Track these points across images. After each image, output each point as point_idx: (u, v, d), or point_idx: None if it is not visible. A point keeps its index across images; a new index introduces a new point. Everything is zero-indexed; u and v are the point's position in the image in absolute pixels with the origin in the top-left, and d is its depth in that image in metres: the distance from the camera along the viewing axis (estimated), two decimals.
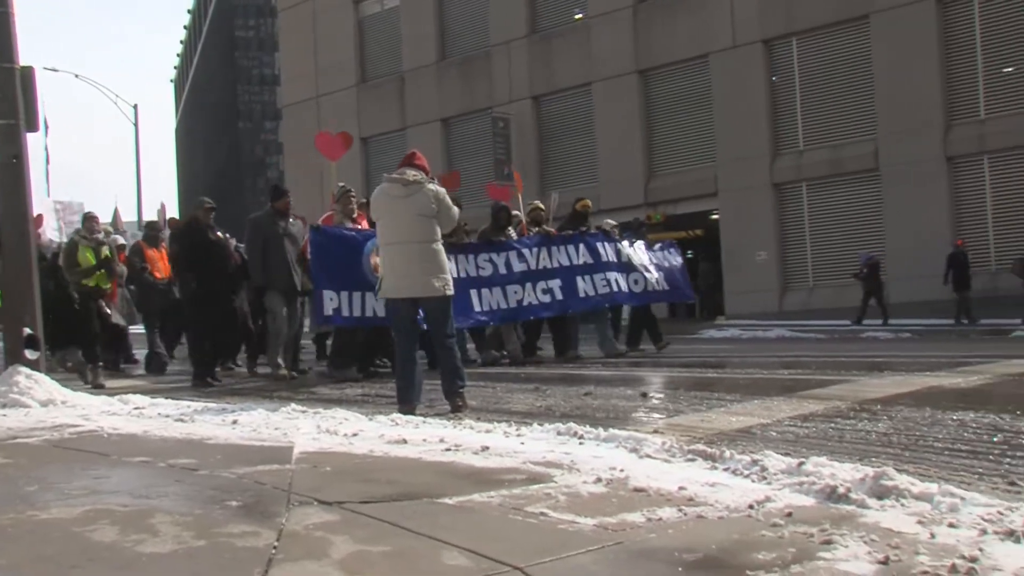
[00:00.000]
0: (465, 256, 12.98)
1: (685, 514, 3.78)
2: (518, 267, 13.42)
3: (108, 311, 13.21)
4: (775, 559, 3.15)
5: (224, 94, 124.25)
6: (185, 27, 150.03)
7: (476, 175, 29.50)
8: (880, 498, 3.92)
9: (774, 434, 6.26)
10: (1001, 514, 3.55)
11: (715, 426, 6.66)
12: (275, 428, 6.44)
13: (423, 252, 8.15)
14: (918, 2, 25.04)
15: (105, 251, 12.92)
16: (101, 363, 12.59)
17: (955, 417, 6.63)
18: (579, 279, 13.98)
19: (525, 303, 13.43)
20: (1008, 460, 5.13)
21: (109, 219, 24.84)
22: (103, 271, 12.81)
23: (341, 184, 12.97)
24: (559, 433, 5.84)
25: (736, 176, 28.03)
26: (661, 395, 8.81)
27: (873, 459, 5.15)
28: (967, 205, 24.93)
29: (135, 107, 44.96)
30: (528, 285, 13.45)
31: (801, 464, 4.44)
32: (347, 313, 11.42)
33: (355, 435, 6.01)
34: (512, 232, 14.00)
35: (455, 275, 12.22)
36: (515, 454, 5.19)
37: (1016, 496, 4.21)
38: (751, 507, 3.83)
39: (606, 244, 14.59)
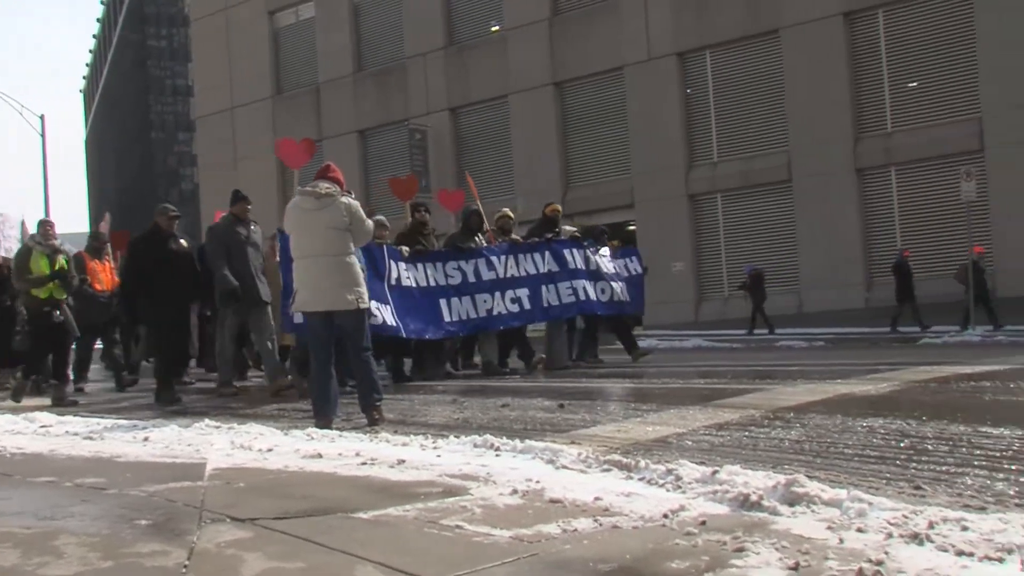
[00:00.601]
0: (434, 264, 12.67)
1: (600, 524, 3.79)
2: (487, 275, 13.09)
3: (63, 317, 12.02)
4: (689, 567, 3.17)
5: (136, 104, 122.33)
6: (94, 36, 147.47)
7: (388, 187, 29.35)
8: (792, 505, 3.98)
9: (690, 443, 6.31)
10: (906, 517, 3.63)
11: (632, 436, 6.69)
12: (188, 444, 6.34)
13: (336, 265, 8.09)
14: (826, 18, 25.61)
15: (61, 260, 11.95)
16: (54, 380, 11.90)
17: (865, 424, 6.75)
18: (543, 288, 13.61)
19: (495, 312, 13.08)
20: (914, 465, 5.24)
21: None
22: (56, 282, 11.81)
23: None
24: (476, 445, 5.84)
25: (652, 187, 28.35)
26: (578, 406, 8.83)
27: (786, 466, 5.23)
28: (876, 216, 25.50)
29: (42, 118, 43.94)
30: (497, 294, 13.12)
31: (715, 473, 4.49)
32: None
33: (270, 450, 5.94)
34: (481, 239, 13.64)
35: (424, 283, 12.40)
36: (431, 467, 5.17)
37: (921, 500, 4.30)
38: (666, 516, 3.86)
39: (575, 251, 14.18)
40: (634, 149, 28.77)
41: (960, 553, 3.22)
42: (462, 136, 32.77)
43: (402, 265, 12.15)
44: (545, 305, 13.57)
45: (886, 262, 24.56)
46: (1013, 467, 5.06)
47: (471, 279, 12.90)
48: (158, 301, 11.37)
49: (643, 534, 3.64)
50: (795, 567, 3.13)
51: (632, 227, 29.45)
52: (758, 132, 27.12)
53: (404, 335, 11.91)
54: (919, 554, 3.23)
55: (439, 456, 5.55)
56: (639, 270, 15.43)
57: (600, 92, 29.83)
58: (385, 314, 11.39)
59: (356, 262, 8.31)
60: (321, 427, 7.41)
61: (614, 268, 14.81)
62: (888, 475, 5.00)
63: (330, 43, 35.41)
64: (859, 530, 3.56)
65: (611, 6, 29.24)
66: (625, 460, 4.99)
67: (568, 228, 15.22)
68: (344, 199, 8.25)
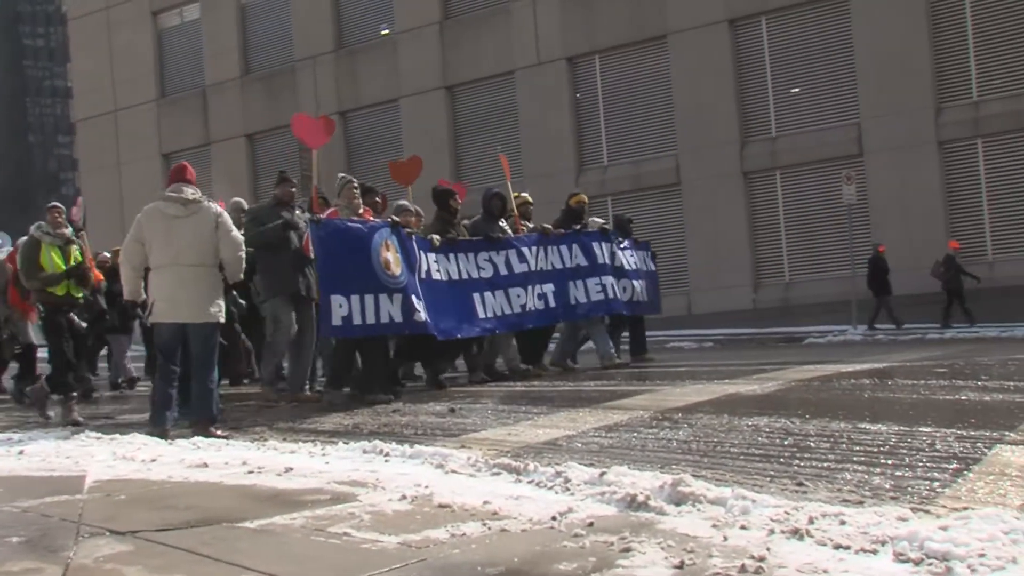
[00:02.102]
0: (465, 255, 11.44)
1: (489, 528, 3.79)
2: (519, 268, 11.93)
3: (81, 323, 10.51)
4: (576, 569, 3.19)
5: (11, 105, 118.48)
6: None
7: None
8: (678, 504, 4.03)
9: (579, 445, 6.36)
10: (788, 514, 3.71)
11: (522, 439, 6.72)
12: (66, 457, 6.15)
13: (197, 276, 7.80)
14: (711, 24, 26.06)
15: (75, 253, 10.26)
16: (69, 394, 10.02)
17: (750, 423, 6.88)
18: (571, 284, 12.54)
19: (528, 308, 11.94)
20: (797, 462, 5.36)
21: None
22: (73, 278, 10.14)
23: (342, 175, 11.03)
24: (365, 451, 5.79)
25: (543, 191, 28.32)
26: (470, 409, 8.82)
27: (673, 466, 5.30)
28: (762, 218, 26.03)
29: None
30: (530, 288, 11.98)
31: (603, 474, 4.53)
32: (359, 321, 9.61)
33: (154, 460, 5.81)
34: (506, 226, 12.37)
35: (456, 276, 11.25)
36: (320, 474, 5.12)
37: (803, 496, 4.41)
38: (554, 518, 3.88)
39: (602, 244, 13.13)
40: (525, 153, 28.86)
41: (838, 547, 3.31)
42: (352, 140, 32.45)
43: (431, 256, 10.91)
44: (572, 303, 12.55)
45: (772, 264, 25.12)
46: (890, 462, 5.21)
47: (503, 271, 11.76)
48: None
49: (531, 537, 3.65)
50: (680, 566, 3.18)
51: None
52: (647, 136, 27.45)
53: (438, 336, 10.61)
54: (799, 549, 3.31)
55: (328, 463, 5.49)
56: (653, 267, 14.68)
57: (491, 96, 29.86)
58: (424, 312, 10.26)
59: (219, 273, 7.99)
60: (157, 436, 7.22)
61: (635, 263, 13.84)
62: (772, 473, 5.11)
63: (216, 45, 34.77)
64: (743, 527, 3.63)
65: (501, 10, 29.32)
66: (514, 463, 5.00)
67: (596, 220, 14.23)
68: (212, 205, 8.03)
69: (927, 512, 4.02)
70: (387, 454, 5.67)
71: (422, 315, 10.09)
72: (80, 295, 10.33)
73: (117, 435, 7.11)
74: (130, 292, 8.15)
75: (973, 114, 23.26)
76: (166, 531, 3.89)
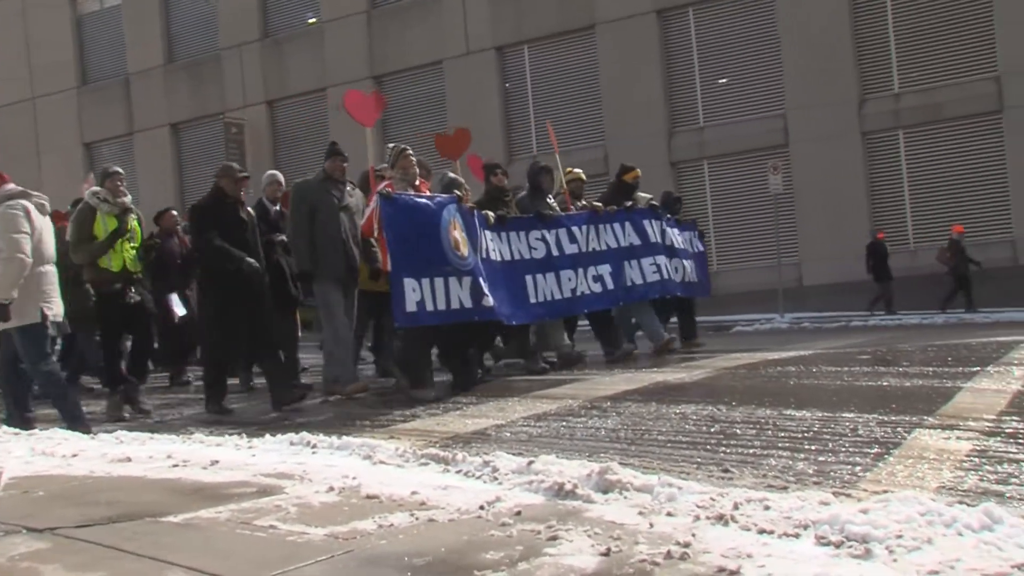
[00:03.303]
0: (516, 233, 10.47)
1: (417, 518, 3.78)
2: (569, 249, 10.97)
3: (139, 296, 9.30)
4: (503, 558, 3.19)
5: None
6: None
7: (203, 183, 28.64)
8: (605, 492, 4.05)
9: (508, 435, 6.37)
10: (713, 500, 3.75)
11: (451, 429, 6.71)
12: None
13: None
14: (640, 15, 26.21)
15: (134, 223, 9.10)
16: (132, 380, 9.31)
17: (678, 411, 6.95)
18: (626, 264, 11.66)
19: (579, 292, 10.94)
20: (723, 448, 5.43)
21: None
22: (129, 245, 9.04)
23: (392, 145, 9.96)
24: (292, 443, 5.73)
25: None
26: (399, 400, 8.78)
27: (601, 455, 5.33)
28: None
29: None
30: (580, 271, 11.01)
31: (531, 463, 4.53)
32: (431, 307, 8.57)
33: (75, 455, 5.68)
34: (554, 203, 11.55)
35: (509, 256, 10.21)
36: (246, 467, 5.05)
37: (728, 482, 4.46)
38: (482, 508, 3.87)
39: (653, 222, 12.32)
40: None
41: (762, 531, 3.35)
42: (280, 130, 32.14)
43: (488, 234, 9.89)
44: (628, 284, 11.65)
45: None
46: (813, 447, 5.30)
47: (555, 252, 10.78)
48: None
49: (459, 527, 3.65)
50: (607, 553, 3.19)
51: None
52: (576, 127, 27.52)
53: (504, 322, 9.72)
54: (724, 534, 3.35)
55: (254, 455, 5.43)
56: (702, 248, 14.03)
57: (420, 86, 29.72)
58: (492, 297, 9.28)
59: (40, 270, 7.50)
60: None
61: (683, 243, 13.10)
62: (699, 459, 5.17)
63: (138, 32, 34.12)
64: (669, 514, 3.66)
65: (429, 0, 29.21)
66: (443, 453, 4.99)
67: (643, 195, 13.00)
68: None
69: (848, 496, 4.10)
70: (314, 446, 5.62)
71: (490, 300, 9.15)
72: (139, 270, 9.20)
73: (37, 430, 6.96)
74: None
75: (894, 106, 23.71)
76: (87, 527, 3.82)
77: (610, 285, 11.34)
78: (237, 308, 8.67)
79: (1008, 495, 4.09)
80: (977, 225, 22.72)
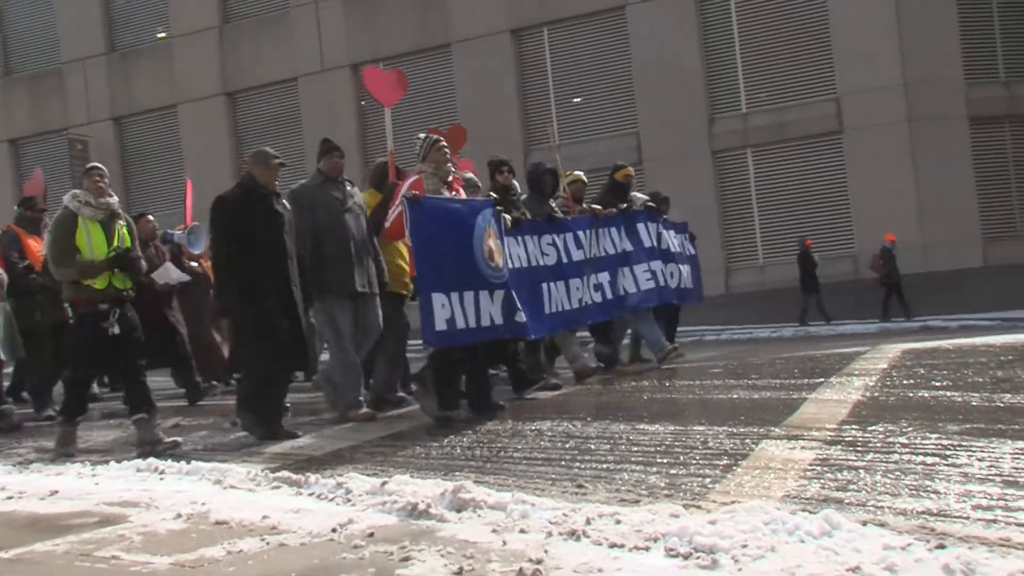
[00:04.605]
0: (531, 237, 9.39)
1: (267, 543, 3.70)
2: (576, 255, 10.02)
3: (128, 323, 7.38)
4: None
5: None
6: None
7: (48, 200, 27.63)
8: (459, 511, 4.05)
9: (363, 455, 6.30)
10: (566, 515, 3.78)
11: (305, 451, 6.60)
12: None
13: None
14: (494, 34, 26.38)
15: (122, 230, 7.45)
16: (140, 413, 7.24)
17: (533, 427, 6.98)
18: (619, 272, 10.74)
19: (584, 303, 10.03)
20: (578, 464, 5.47)
21: None
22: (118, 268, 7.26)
23: (423, 135, 8.99)
24: (139, 470, 5.56)
25: None
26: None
27: (456, 474, 5.31)
28: None
29: None
30: (584, 279, 10.08)
31: (385, 484, 4.50)
32: (462, 324, 7.68)
33: None
34: (554, 207, 10.55)
35: (525, 263, 9.15)
36: (88, 496, 4.88)
37: (582, 497, 4.50)
38: (334, 530, 3.82)
39: (648, 224, 11.41)
40: (310, 161, 28.43)
41: (613, 545, 3.39)
42: (128, 147, 31.23)
43: (508, 241, 8.85)
44: (622, 293, 10.70)
45: None
46: (665, 461, 5.39)
47: (564, 259, 9.80)
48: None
49: (310, 550, 3.59)
50: (459, 572, 3.19)
51: None
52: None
53: (532, 337, 8.91)
54: (576, 549, 3.38)
55: (97, 483, 5.25)
56: (693, 251, 13.02)
57: (274, 103, 29.29)
58: (523, 312, 8.38)
59: None
60: None
61: (678, 246, 12.17)
62: (553, 476, 5.20)
63: None
64: (522, 531, 3.67)
65: (282, 16, 28.82)
66: (295, 476, 4.91)
67: (639, 196, 12.14)
68: None
69: (698, 508, 4.18)
70: (162, 472, 5.46)
71: (522, 315, 8.24)
72: (128, 286, 7.40)
73: None
74: None
75: (742, 125, 24.42)
76: None
77: (608, 295, 10.53)
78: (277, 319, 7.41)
79: (847, 501, 4.23)
80: (821, 241, 23.49)
